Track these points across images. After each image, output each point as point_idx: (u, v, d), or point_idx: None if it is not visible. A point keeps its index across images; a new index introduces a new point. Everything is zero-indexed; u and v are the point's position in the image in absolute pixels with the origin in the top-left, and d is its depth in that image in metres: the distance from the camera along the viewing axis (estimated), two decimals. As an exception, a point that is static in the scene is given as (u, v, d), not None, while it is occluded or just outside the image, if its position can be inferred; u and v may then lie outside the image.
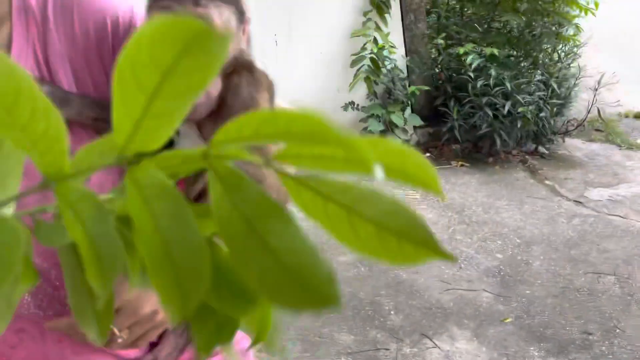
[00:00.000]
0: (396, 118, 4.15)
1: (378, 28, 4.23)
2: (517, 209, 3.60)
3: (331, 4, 4.23)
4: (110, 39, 0.79)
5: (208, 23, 0.22)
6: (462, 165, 4.20)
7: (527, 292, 2.80)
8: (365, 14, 4.24)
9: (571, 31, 4.52)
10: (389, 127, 4.23)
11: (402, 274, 2.93)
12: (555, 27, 4.48)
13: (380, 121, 4.21)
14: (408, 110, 4.38)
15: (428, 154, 4.40)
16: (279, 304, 0.27)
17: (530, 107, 4.03)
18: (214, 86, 0.75)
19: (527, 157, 4.27)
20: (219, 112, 0.76)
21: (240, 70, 0.77)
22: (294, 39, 4.32)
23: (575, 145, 4.44)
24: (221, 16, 0.71)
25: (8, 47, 0.75)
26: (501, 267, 3.01)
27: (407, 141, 4.32)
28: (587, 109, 4.37)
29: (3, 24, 0.76)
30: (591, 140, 4.55)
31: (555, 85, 4.11)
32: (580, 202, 3.68)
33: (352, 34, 4.23)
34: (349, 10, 4.27)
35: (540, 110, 4.11)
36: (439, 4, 4.86)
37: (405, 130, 4.30)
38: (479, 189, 3.86)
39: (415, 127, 4.44)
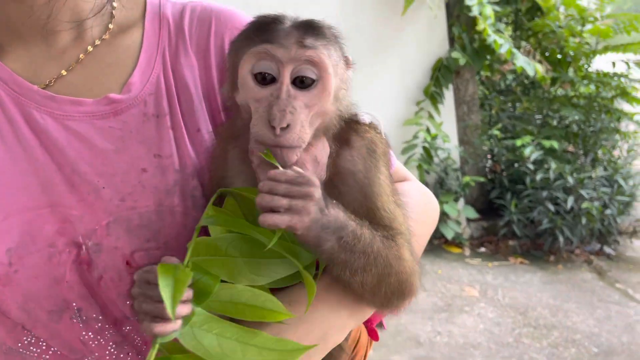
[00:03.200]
0: (449, 209, 3.94)
1: (431, 117, 4.15)
2: (588, 314, 3.23)
3: (384, 93, 4.22)
4: None
5: None
6: (521, 263, 3.90)
7: (615, 411, 2.41)
8: (418, 103, 4.19)
9: (632, 127, 4.36)
10: (441, 218, 4.01)
11: (465, 380, 2.58)
12: (614, 124, 4.33)
13: (432, 211, 4.00)
14: (461, 202, 4.18)
15: (483, 249, 4.12)
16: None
17: (595, 204, 3.77)
18: (322, 151, 0.65)
19: (592, 257, 3.94)
20: (335, 179, 0.66)
21: (353, 134, 0.67)
22: (344, 125, 4.27)
23: (644, 247, 4.11)
24: (330, 57, 0.62)
25: (138, 51, 0.72)
26: (580, 379, 2.63)
27: (460, 234, 4.08)
28: (657, 209, 4.08)
29: (134, 27, 0.73)
30: (660, 243, 4.21)
31: (621, 182, 3.87)
32: (658, 310, 3.31)
33: (405, 122, 4.17)
34: (402, 99, 4.23)
35: (606, 207, 3.85)
36: (491, 97, 4.81)
37: (458, 223, 4.06)
38: (543, 289, 3.52)
39: (468, 220, 4.22)
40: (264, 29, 0.62)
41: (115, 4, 0.73)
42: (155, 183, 0.66)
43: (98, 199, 0.64)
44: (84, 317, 0.64)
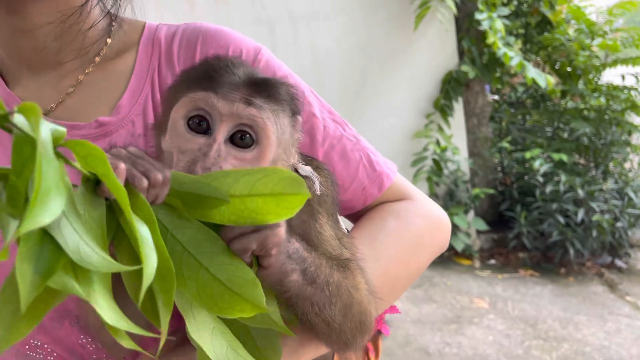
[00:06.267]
0: (459, 220, 3.96)
1: (440, 130, 4.19)
2: (599, 326, 3.23)
3: (394, 105, 4.26)
4: None
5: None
6: (531, 275, 3.90)
7: None
8: (428, 116, 4.23)
9: (643, 140, 4.36)
10: (451, 230, 4.02)
11: (474, 391, 2.59)
12: (625, 137, 4.33)
13: (441, 223, 4.02)
14: (471, 214, 4.20)
15: (493, 261, 4.13)
16: (215, 311, 0.45)
17: (606, 216, 3.77)
18: None
19: (603, 270, 3.93)
20: None
21: None
22: (355, 138, 4.32)
23: (655, 261, 4.08)
24: (277, 125, 0.57)
25: (130, 74, 0.74)
26: (589, 391, 2.62)
27: (470, 246, 4.09)
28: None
29: (130, 51, 0.76)
30: (672, 256, 4.19)
31: (632, 194, 3.87)
32: (670, 323, 3.29)
33: (414, 134, 4.20)
34: (412, 112, 4.28)
35: (617, 220, 3.84)
36: (502, 110, 4.83)
37: (468, 234, 4.08)
38: (553, 302, 3.52)
39: (478, 232, 4.23)
40: (212, 74, 0.57)
41: (114, 28, 0.76)
42: None
43: None
44: (82, 324, 0.68)
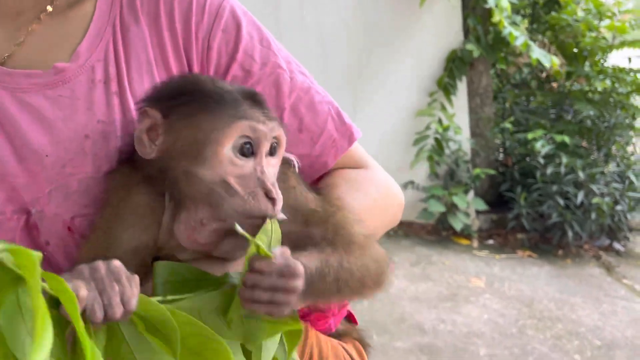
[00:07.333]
0: (458, 200, 3.96)
1: (443, 109, 4.16)
2: (594, 308, 3.24)
3: (397, 83, 4.23)
4: (194, 18, 0.73)
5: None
6: (529, 256, 3.91)
7: (615, 403, 2.43)
8: (431, 94, 4.20)
9: (647, 124, 4.33)
10: (450, 210, 4.03)
11: (467, 367, 2.62)
12: (629, 120, 4.30)
13: (441, 202, 4.03)
14: (471, 194, 4.19)
15: (492, 241, 4.14)
16: None
17: (606, 199, 3.77)
18: None
19: (600, 252, 3.94)
20: None
21: None
22: (357, 116, 4.30)
23: (654, 245, 4.09)
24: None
25: (89, 19, 0.72)
26: (581, 370, 2.65)
27: (469, 226, 4.10)
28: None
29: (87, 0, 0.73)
30: (671, 241, 4.19)
31: (633, 178, 3.85)
32: (665, 306, 3.30)
33: (417, 113, 4.18)
34: (415, 90, 4.24)
35: (617, 203, 3.84)
36: (505, 91, 4.79)
37: (467, 214, 4.08)
38: (550, 283, 3.54)
39: (478, 212, 4.23)
40: (221, 100, 0.62)
41: None
42: (96, 150, 0.67)
43: (42, 168, 0.66)
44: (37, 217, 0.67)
